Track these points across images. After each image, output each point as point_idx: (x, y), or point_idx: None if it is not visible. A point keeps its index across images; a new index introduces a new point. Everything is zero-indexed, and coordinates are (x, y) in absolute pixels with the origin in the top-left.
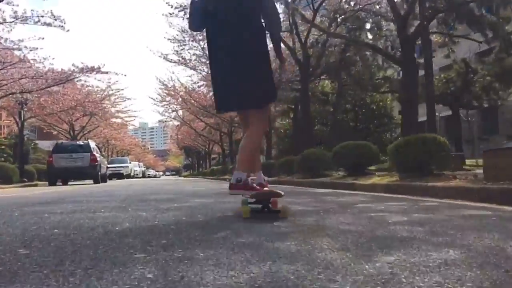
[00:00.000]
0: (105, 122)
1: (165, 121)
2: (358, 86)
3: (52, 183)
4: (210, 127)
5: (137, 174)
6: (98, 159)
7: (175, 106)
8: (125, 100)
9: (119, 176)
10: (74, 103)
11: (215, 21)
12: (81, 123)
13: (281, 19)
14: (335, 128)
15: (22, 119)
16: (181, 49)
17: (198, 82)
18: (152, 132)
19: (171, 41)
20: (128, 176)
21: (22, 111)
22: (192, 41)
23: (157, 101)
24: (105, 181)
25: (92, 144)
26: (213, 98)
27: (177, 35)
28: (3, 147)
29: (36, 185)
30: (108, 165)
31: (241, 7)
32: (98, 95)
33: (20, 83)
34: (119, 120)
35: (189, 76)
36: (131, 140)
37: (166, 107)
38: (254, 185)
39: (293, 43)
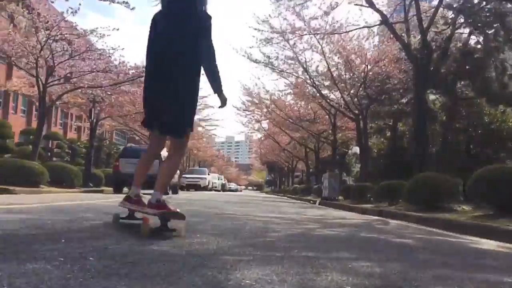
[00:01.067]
0: None
1: (249, 133)
2: (485, 97)
3: (117, 190)
4: (296, 141)
5: (215, 187)
6: None
7: (259, 117)
8: (207, 107)
9: (196, 187)
10: None
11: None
12: None
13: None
14: (444, 151)
15: (93, 118)
16: (266, 45)
17: (284, 90)
18: (237, 145)
19: (257, 41)
20: (205, 188)
21: (93, 110)
22: (281, 40)
23: (241, 110)
24: (176, 192)
25: (164, 152)
26: (299, 110)
27: (262, 30)
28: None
29: (102, 191)
30: (185, 175)
31: (180, 40)
32: None
33: (89, 77)
34: (200, 129)
35: (275, 80)
36: (214, 151)
37: (250, 118)
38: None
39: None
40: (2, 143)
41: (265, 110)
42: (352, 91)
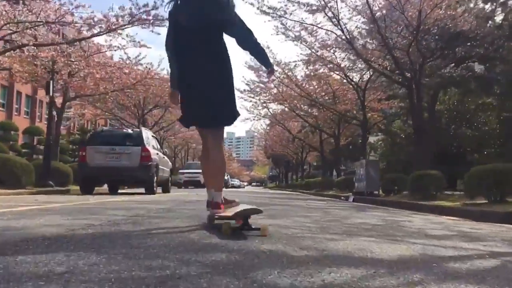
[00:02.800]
0: None
1: (255, 119)
2: None
3: (86, 189)
4: (312, 126)
5: None
6: (153, 156)
7: (266, 99)
8: None
9: (196, 184)
10: (132, 81)
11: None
12: (155, 119)
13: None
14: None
15: (51, 93)
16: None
17: (299, 58)
18: (238, 142)
19: None
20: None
21: (51, 82)
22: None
23: (245, 93)
24: (167, 191)
25: (146, 133)
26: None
27: None
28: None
29: (66, 191)
30: (183, 171)
31: (202, 27)
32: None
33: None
34: None
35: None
36: None
37: (256, 102)
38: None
39: None
40: None
41: (274, 90)
42: (402, 44)
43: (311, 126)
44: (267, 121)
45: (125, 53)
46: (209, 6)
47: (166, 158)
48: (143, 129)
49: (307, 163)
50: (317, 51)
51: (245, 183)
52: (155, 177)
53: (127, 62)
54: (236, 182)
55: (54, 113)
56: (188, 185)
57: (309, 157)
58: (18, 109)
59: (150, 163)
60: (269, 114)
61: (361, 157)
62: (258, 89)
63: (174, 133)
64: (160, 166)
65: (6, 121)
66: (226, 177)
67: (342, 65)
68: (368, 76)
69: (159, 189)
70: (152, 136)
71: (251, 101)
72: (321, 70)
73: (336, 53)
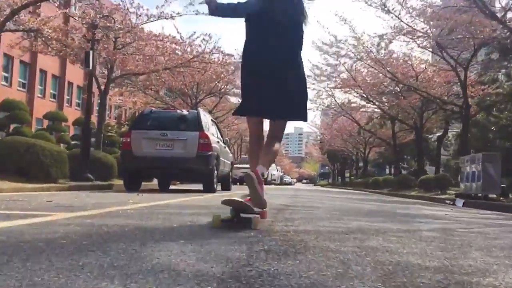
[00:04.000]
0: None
1: (317, 109)
2: None
3: (131, 184)
4: (388, 115)
5: (274, 180)
6: (213, 145)
7: (332, 86)
8: None
9: None
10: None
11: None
12: (209, 108)
13: None
14: None
15: (90, 67)
16: None
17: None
18: (287, 138)
19: None
20: (264, 181)
21: (91, 53)
22: None
23: (308, 78)
24: (228, 188)
25: (205, 116)
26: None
27: None
28: (111, 134)
29: (109, 187)
30: (239, 165)
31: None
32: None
33: None
34: None
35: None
36: None
37: (319, 90)
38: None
39: None
40: None
41: (344, 75)
42: None
43: (387, 115)
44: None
45: (178, 32)
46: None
47: (227, 148)
48: (201, 110)
49: (362, 160)
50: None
51: (294, 180)
52: (216, 171)
53: (181, 38)
54: (287, 179)
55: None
56: (244, 181)
57: (372, 153)
58: (70, 100)
59: (210, 153)
60: (335, 103)
61: (472, 150)
62: (324, 74)
63: (228, 125)
64: (221, 158)
65: (56, 112)
66: (281, 173)
67: (438, 39)
68: (472, 52)
69: (218, 186)
70: (212, 120)
71: (314, 89)
72: (401, 49)
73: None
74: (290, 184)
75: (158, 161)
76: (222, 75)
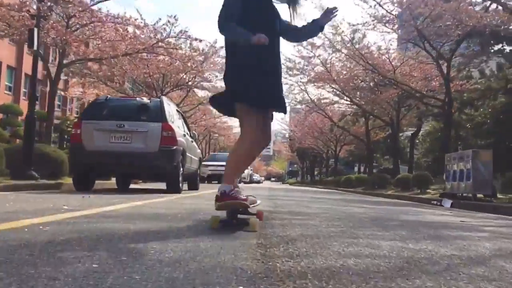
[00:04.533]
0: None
1: (289, 105)
2: None
3: (81, 185)
4: (366, 111)
5: (244, 178)
6: (179, 139)
7: (305, 80)
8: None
9: (221, 179)
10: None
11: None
12: (176, 102)
13: None
14: None
15: (35, 47)
16: None
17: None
18: None
19: None
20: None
21: (35, 30)
22: None
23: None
24: (196, 187)
25: (170, 105)
26: None
27: None
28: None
29: (57, 186)
30: (207, 163)
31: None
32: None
33: None
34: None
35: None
36: (237, 136)
37: (291, 85)
38: (242, 196)
39: None
40: None
41: (318, 68)
42: None
43: (362, 112)
44: (293, 111)
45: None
46: None
47: (194, 143)
48: (164, 99)
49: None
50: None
51: (263, 178)
52: (181, 169)
53: (144, 23)
54: (256, 177)
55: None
56: (213, 179)
57: (342, 152)
58: (27, 93)
59: (174, 148)
60: (308, 98)
61: (459, 147)
62: (297, 68)
63: (196, 121)
64: (187, 154)
65: (10, 104)
66: (250, 171)
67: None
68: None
69: (185, 185)
70: (178, 111)
71: (286, 83)
72: (378, 42)
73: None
74: (259, 182)
75: (113, 156)
76: (190, 63)
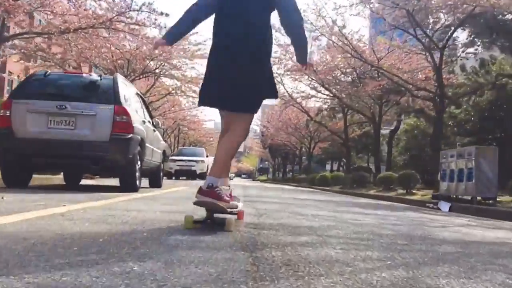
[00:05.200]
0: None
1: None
2: None
3: (13, 180)
4: (346, 106)
5: None
6: (135, 125)
7: (282, 71)
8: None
9: (190, 174)
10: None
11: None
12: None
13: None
14: None
15: None
16: None
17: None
18: None
19: None
20: (203, 176)
21: None
22: None
23: None
24: (158, 185)
25: (125, 85)
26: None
27: None
28: None
29: None
30: (174, 157)
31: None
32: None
33: None
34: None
35: None
36: (208, 133)
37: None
38: (225, 195)
39: None
40: None
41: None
42: None
43: (341, 106)
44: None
45: None
46: None
47: (157, 132)
48: (120, 77)
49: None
50: None
51: (233, 175)
52: (139, 162)
53: None
54: None
55: None
56: (180, 175)
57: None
58: None
59: (130, 136)
60: (284, 91)
61: (458, 143)
62: (274, 57)
63: (164, 112)
64: (147, 144)
65: None
66: None
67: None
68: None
69: (145, 182)
70: (138, 94)
71: None
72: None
73: None
74: (230, 179)
75: (50, 146)
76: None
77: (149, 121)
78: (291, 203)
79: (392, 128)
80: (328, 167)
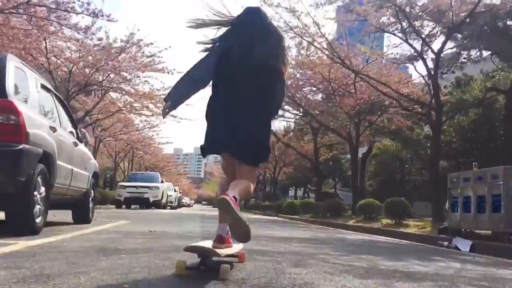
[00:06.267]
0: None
1: None
2: None
3: None
4: (321, 124)
5: (171, 202)
6: (34, 131)
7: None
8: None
9: (142, 202)
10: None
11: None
12: (87, 108)
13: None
14: None
15: None
16: None
17: None
18: (186, 158)
19: None
20: (157, 204)
21: None
22: None
23: None
24: (86, 220)
25: (22, 71)
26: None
27: None
28: None
29: None
30: (124, 184)
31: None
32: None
33: None
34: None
35: None
36: (165, 157)
37: None
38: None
39: None
40: None
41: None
42: None
43: (311, 126)
44: None
45: None
46: (262, 49)
47: (82, 148)
48: (13, 58)
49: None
50: None
51: (193, 201)
52: (41, 189)
53: None
54: (186, 200)
55: None
56: (131, 203)
57: (280, 173)
58: None
59: (20, 148)
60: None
61: (474, 163)
62: None
63: (115, 133)
64: (59, 162)
65: None
66: (179, 194)
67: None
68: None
69: (66, 214)
70: (43, 86)
71: None
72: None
73: None
74: (189, 206)
75: None
76: (100, 54)
77: (70, 132)
78: (270, 246)
79: (364, 151)
80: (291, 193)
